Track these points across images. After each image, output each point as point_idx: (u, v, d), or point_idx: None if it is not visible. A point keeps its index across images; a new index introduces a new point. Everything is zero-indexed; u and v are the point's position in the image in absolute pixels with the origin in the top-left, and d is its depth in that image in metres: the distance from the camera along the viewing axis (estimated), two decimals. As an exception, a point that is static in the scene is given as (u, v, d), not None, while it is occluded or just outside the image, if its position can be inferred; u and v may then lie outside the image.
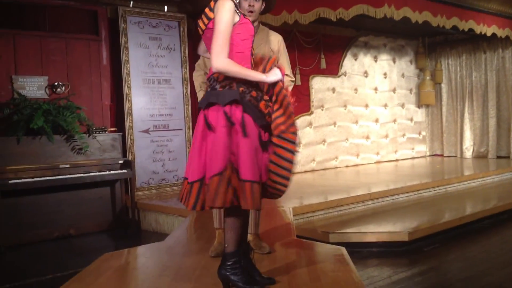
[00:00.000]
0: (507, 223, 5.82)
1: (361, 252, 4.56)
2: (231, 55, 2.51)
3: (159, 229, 5.84)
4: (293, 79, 3.58)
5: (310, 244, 3.74)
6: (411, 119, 10.53)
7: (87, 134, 5.82)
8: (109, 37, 6.49)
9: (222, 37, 2.47)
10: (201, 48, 2.97)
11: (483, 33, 8.55)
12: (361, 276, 3.24)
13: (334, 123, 9.07)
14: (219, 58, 2.46)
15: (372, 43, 9.72)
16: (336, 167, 9.00)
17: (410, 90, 10.51)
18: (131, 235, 5.72)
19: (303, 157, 8.47)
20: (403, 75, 10.35)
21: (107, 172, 5.81)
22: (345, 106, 9.26)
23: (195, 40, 6.80)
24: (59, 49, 6.11)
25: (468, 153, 10.26)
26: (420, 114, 10.73)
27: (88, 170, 5.68)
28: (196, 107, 3.65)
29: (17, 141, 5.34)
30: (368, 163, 9.51)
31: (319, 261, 3.24)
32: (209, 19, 2.56)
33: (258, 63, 2.68)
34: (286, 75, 3.50)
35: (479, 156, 10.12)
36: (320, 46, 8.72)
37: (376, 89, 9.82)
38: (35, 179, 5.30)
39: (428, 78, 10.46)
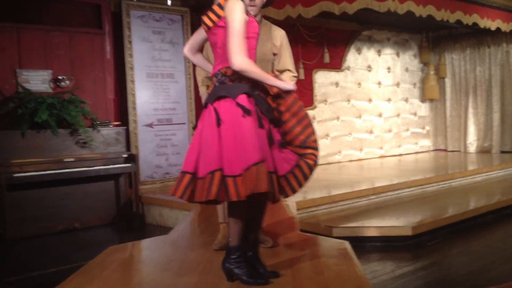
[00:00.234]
0: (511, 218, 5.82)
1: (365, 246, 4.57)
2: None
3: (163, 223, 5.86)
4: (296, 74, 3.56)
5: (313, 238, 3.74)
6: (415, 114, 10.51)
7: (91, 128, 5.83)
8: (113, 31, 6.49)
9: (239, 36, 2.48)
10: (190, 45, 2.89)
11: (487, 27, 8.50)
12: (365, 270, 3.24)
13: (338, 118, 9.05)
14: (240, 57, 2.47)
15: (376, 37, 9.68)
16: (340, 162, 8.99)
17: (414, 85, 10.48)
18: (136, 229, 5.75)
19: (307, 152, 8.45)
20: (406, 69, 10.31)
21: (111, 166, 5.83)
22: (349, 100, 9.24)
23: (198, 34, 6.78)
24: (63, 43, 6.12)
25: (472, 148, 10.23)
26: (424, 109, 10.70)
27: (92, 163, 5.70)
28: (200, 101, 3.63)
29: (22, 135, 5.36)
30: (371, 158, 9.49)
31: (322, 255, 3.25)
32: (218, 16, 2.55)
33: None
34: (289, 70, 3.51)
35: (483, 151, 10.09)
36: (323, 40, 8.69)
37: (379, 83, 9.79)
38: (40, 172, 5.32)
39: (432, 72, 10.41)
